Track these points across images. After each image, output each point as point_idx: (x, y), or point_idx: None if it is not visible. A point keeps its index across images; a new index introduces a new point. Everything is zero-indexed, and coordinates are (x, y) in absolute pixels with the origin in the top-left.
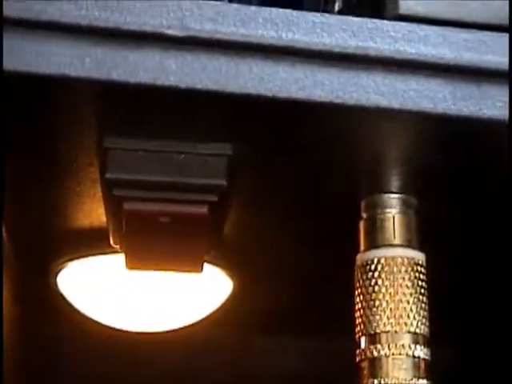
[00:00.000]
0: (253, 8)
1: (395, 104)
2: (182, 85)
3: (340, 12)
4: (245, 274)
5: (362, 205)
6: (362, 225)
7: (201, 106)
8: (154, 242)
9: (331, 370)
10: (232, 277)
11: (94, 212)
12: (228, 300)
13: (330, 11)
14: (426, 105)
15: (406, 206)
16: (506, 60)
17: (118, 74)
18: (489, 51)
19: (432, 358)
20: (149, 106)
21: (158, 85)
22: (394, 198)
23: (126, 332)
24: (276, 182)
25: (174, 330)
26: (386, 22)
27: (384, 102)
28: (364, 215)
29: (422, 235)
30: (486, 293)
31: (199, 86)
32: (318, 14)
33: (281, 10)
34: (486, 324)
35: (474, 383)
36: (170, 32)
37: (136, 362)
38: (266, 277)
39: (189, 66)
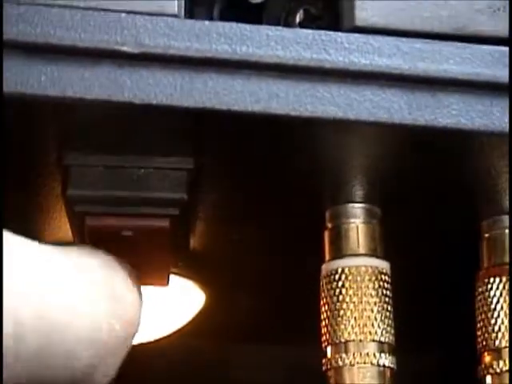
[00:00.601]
0: (206, 23)
1: (351, 115)
2: (137, 100)
3: (301, 24)
4: (217, 286)
5: (327, 215)
6: (326, 235)
7: (158, 121)
8: (118, 256)
9: (309, 379)
10: (204, 289)
11: (62, 227)
12: (201, 312)
13: (292, 23)
14: (382, 115)
15: (369, 215)
16: (460, 68)
17: (73, 91)
18: (443, 60)
19: (405, 365)
20: (106, 122)
21: (113, 101)
22: (357, 207)
23: None
24: (240, 194)
25: (148, 343)
26: (340, 33)
27: (340, 113)
28: (329, 225)
29: (386, 244)
30: (452, 299)
31: (154, 102)
32: (272, 28)
33: (234, 25)
34: (458, 329)
35: None
36: (125, 48)
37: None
38: (239, 288)
39: (144, 82)
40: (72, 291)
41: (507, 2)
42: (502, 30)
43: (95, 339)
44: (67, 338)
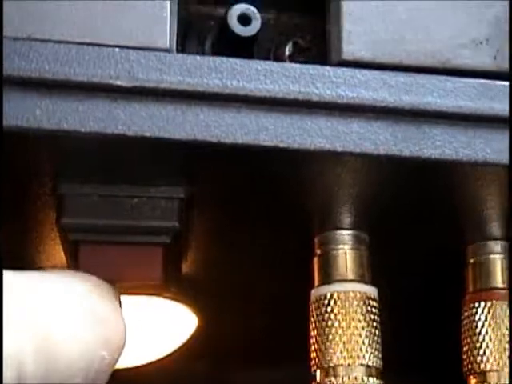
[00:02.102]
0: (198, 57)
1: (338, 146)
2: (131, 133)
3: (290, 57)
4: (209, 310)
5: (316, 241)
6: (315, 261)
7: (150, 153)
8: (112, 282)
9: None
10: (196, 313)
11: (56, 254)
12: (193, 335)
13: (281, 56)
14: (368, 146)
15: (357, 241)
16: (443, 101)
17: (68, 124)
18: (427, 93)
19: None
20: (100, 153)
21: (107, 133)
22: (345, 234)
23: None
24: (231, 221)
25: (141, 366)
26: (327, 67)
27: (327, 145)
28: (317, 251)
29: (373, 270)
30: (438, 323)
31: (147, 134)
32: (262, 62)
33: (225, 59)
34: (445, 353)
35: None
36: (118, 82)
37: None
38: (230, 312)
39: (137, 115)
40: (66, 321)
41: (490, 35)
42: (485, 63)
43: (88, 369)
44: (62, 366)
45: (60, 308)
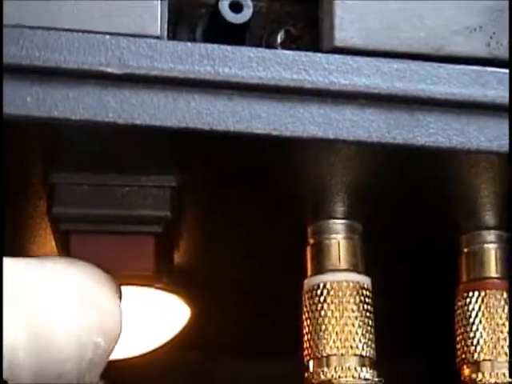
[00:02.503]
0: (189, 44)
1: (331, 134)
2: (121, 121)
3: (282, 44)
4: (202, 301)
5: (309, 231)
6: (308, 250)
7: (141, 141)
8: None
9: None
10: (189, 304)
11: (47, 244)
12: (186, 327)
13: (273, 44)
14: (361, 134)
15: (350, 231)
16: (437, 88)
17: (58, 112)
18: (420, 80)
19: (386, 377)
20: (90, 141)
21: (97, 121)
22: (338, 223)
23: None
24: (223, 210)
25: (134, 358)
26: (319, 54)
27: (320, 133)
28: (310, 241)
29: (367, 259)
30: (432, 313)
31: (138, 122)
32: (254, 49)
33: (216, 46)
34: (438, 342)
35: None
36: (109, 70)
37: None
38: (224, 302)
39: (127, 102)
40: (61, 306)
41: (484, 22)
42: (478, 50)
43: (82, 356)
44: (55, 353)
45: (55, 293)
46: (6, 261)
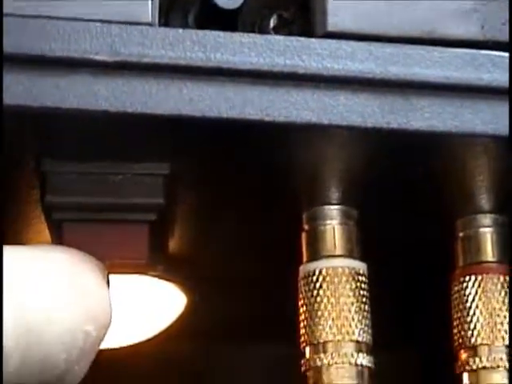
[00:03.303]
0: (180, 31)
1: (325, 119)
2: (113, 109)
3: (275, 29)
4: (198, 288)
5: (304, 217)
6: (303, 237)
7: (133, 129)
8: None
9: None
10: (185, 291)
11: (41, 233)
12: (183, 314)
13: (266, 29)
14: (355, 119)
15: (345, 217)
16: (430, 72)
17: (49, 101)
18: (414, 64)
19: (384, 363)
20: (82, 130)
21: (89, 109)
22: (334, 209)
23: None
24: (217, 198)
25: (130, 346)
26: (313, 39)
27: (314, 118)
28: (306, 227)
29: (362, 245)
30: (428, 298)
31: (130, 110)
32: (246, 35)
33: (208, 32)
34: (435, 328)
35: None
36: (99, 57)
37: (100, 377)
38: (219, 290)
39: (119, 90)
40: (49, 295)
41: (477, 4)
42: (472, 32)
43: (72, 345)
44: (44, 341)
45: (45, 281)
46: None
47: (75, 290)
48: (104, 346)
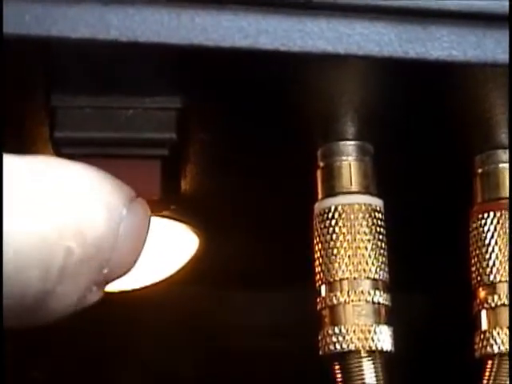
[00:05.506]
0: None
1: (340, 49)
2: (124, 38)
3: None
4: (210, 230)
5: (319, 153)
6: (319, 174)
7: (144, 60)
8: None
9: (303, 322)
10: (197, 233)
11: None
12: (195, 257)
13: None
14: (372, 48)
15: (362, 152)
16: (450, 1)
17: (58, 30)
18: None
19: (401, 305)
20: (92, 61)
21: (99, 39)
22: (349, 145)
23: None
24: (230, 133)
25: (139, 289)
26: None
27: (329, 48)
28: (321, 164)
29: (379, 181)
30: (446, 236)
31: (141, 40)
32: None
33: None
34: (452, 269)
35: (444, 328)
36: None
37: (109, 321)
38: (233, 232)
39: (130, 20)
40: (26, 204)
41: None
42: None
43: (46, 260)
44: (19, 265)
45: (26, 186)
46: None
47: (63, 200)
48: (113, 288)
